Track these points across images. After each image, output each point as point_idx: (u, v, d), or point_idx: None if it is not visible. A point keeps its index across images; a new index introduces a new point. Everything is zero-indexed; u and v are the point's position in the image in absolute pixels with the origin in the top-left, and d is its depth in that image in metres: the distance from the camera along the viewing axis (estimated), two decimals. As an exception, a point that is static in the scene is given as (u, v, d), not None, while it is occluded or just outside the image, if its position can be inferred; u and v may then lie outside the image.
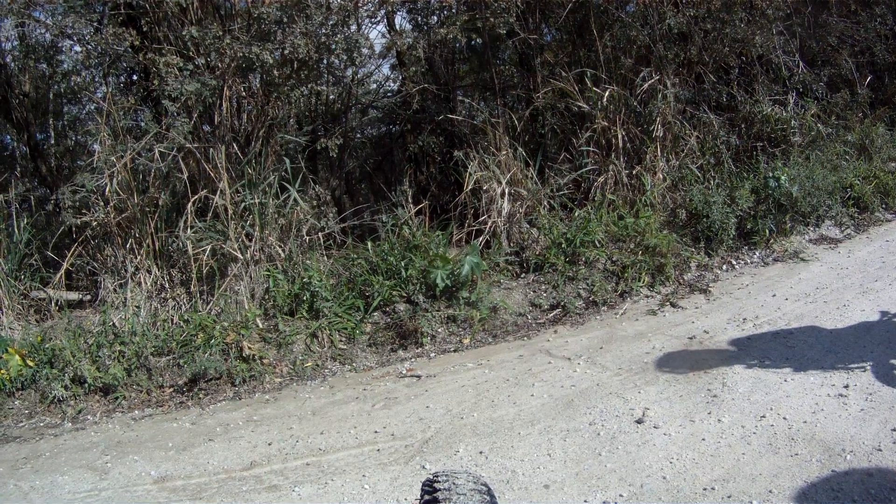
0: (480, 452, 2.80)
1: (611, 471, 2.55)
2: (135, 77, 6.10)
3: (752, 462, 2.52)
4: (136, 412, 4.11)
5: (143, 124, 5.21)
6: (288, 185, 4.82)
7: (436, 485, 1.61)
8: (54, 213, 5.83)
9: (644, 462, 2.58)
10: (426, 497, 1.60)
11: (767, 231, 5.21)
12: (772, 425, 2.76)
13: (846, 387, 3.04)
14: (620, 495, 2.39)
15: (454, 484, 1.61)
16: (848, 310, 3.99)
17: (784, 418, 2.80)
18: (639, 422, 2.87)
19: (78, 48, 5.83)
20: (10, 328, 4.97)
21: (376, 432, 3.13)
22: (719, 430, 2.76)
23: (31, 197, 5.94)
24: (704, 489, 2.38)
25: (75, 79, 6.28)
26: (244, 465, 3.08)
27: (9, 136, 6.91)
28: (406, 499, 2.56)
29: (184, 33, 4.76)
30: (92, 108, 6.37)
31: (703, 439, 2.70)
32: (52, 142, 7.10)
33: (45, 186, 6.47)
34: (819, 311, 4.00)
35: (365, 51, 4.83)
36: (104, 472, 3.38)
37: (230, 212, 4.69)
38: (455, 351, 4.05)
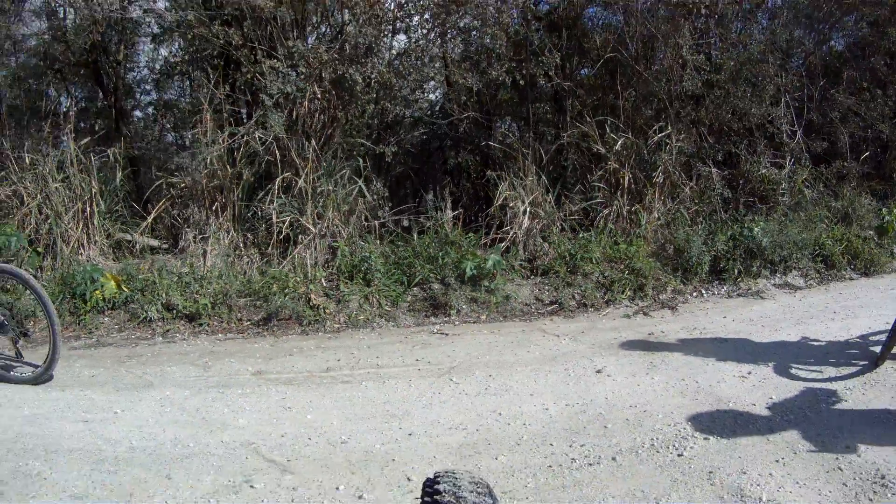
0: (489, 375, 4.62)
1: (573, 392, 4.35)
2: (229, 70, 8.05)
3: (667, 399, 4.31)
4: (220, 335, 5.89)
5: (241, 112, 7.16)
6: (356, 179, 6.74)
7: (437, 486, 1.75)
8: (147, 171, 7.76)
9: (595, 390, 4.38)
10: (428, 492, 1.74)
11: (737, 271, 7.04)
12: (686, 384, 4.55)
13: (749, 373, 4.79)
14: (577, 403, 4.22)
15: (455, 482, 1.75)
16: (777, 333, 5.77)
17: (696, 381, 4.58)
18: (598, 372, 4.69)
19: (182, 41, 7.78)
20: (94, 262, 6.71)
21: (417, 360, 4.95)
22: (650, 382, 4.56)
23: (129, 155, 7.79)
24: (630, 406, 4.20)
25: (173, 59, 8.15)
26: (322, 369, 4.89)
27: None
28: (440, 391, 4.39)
29: (289, 44, 6.71)
30: (186, 86, 8.32)
31: (639, 385, 4.50)
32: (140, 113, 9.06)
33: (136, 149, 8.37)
34: (754, 331, 5.80)
35: (432, 82, 6.79)
36: (206, 367, 5.03)
37: (308, 193, 6.60)
38: (474, 322, 5.90)
